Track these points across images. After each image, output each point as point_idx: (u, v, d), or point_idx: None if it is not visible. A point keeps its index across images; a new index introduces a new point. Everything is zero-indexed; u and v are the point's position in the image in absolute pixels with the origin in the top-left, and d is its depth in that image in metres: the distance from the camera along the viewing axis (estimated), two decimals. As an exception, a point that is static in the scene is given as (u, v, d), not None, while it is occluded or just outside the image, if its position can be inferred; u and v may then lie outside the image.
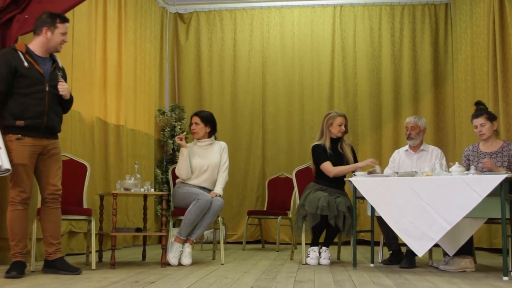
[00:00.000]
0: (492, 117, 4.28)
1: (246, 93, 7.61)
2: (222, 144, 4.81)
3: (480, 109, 4.31)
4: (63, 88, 3.65)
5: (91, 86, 5.49)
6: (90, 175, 4.47)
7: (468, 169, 4.04)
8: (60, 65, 3.75)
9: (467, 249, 4.07)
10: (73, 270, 3.63)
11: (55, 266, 3.65)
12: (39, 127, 3.56)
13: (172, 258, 4.28)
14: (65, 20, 3.66)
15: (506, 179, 3.58)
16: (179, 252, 4.33)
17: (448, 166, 4.03)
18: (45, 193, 3.69)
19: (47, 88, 3.56)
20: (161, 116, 7.34)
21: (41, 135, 3.59)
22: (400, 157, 4.81)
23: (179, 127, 7.35)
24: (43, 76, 3.56)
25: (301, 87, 7.54)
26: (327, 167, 4.56)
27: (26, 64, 3.50)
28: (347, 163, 4.61)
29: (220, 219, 4.70)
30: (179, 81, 7.80)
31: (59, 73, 3.68)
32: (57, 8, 4.15)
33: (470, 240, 4.11)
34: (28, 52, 3.56)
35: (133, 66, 6.53)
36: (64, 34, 3.64)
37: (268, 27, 7.68)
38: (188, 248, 4.35)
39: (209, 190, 4.63)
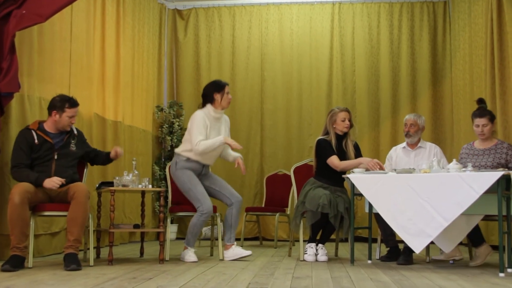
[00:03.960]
0: (493, 118, 4.31)
1: (244, 89, 7.60)
2: (227, 118, 4.72)
3: (484, 109, 4.31)
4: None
5: (89, 82, 5.48)
6: (88, 172, 4.46)
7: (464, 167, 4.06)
8: (76, 132, 4.20)
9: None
10: (66, 265, 3.66)
11: (64, 259, 3.75)
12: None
13: (190, 256, 4.37)
14: (73, 105, 4.08)
15: (503, 176, 3.59)
16: (193, 252, 4.43)
17: None
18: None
19: (55, 157, 4.02)
20: (159, 113, 7.34)
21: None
22: (398, 154, 4.81)
23: (177, 123, 7.35)
24: (53, 146, 4.02)
25: (300, 84, 7.54)
26: (334, 161, 4.51)
27: (36, 141, 3.97)
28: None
29: (218, 215, 4.71)
30: (178, 77, 7.79)
31: (72, 141, 4.14)
32: (55, 4, 4.15)
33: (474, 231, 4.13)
34: (40, 129, 4.03)
35: (131, 62, 6.52)
36: (72, 117, 4.07)
37: (266, 24, 7.68)
38: (232, 250, 4.46)
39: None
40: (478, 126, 4.29)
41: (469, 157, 4.37)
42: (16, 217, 3.68)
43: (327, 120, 4.67)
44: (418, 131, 4.70)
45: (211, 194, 4.56)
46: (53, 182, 3.86)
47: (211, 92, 4.54)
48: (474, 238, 4.18)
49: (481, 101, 4.40)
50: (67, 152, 4.09)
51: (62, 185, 3.95)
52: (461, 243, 4.16)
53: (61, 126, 4.07)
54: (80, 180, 4.27)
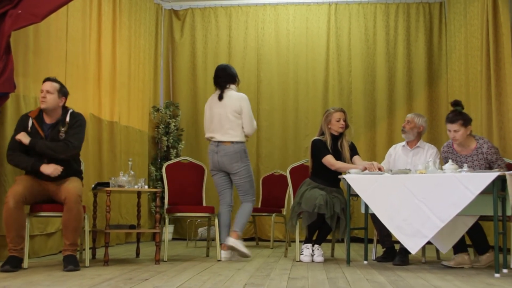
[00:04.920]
0: (467, 122, 4.13)
1: (240, 90, 7.51)
2: None
3: (456, 113, 4.16)
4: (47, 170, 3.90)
5: (85, 82, 5.47)
6: (83, 172, 4.44)
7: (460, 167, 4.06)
8: (68, 119, 3.99)
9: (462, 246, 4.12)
10: (64, 266, 3.66)
11: (63, 261, 3.74)
12: (37, 176, 3.92)
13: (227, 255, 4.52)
14: (43, 81, 4.00)
15: (498, 177, 3.61)
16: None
17: None
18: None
19: None
20: (155, 113, 7.33)
21: (41, 180, 3.94)
22: (397, 152, 4.80)
23: (173, 124, 7.34)
24: (43, 138, 3.91)
25: (296, 85, 7.54)
26: (330, 159, 4.51)
27: (29, 129, 3.91)
28: (344, 162, 4.59)
29: (215, 215, 4.71)
30: (174, 78, 7.79)
31: (62, 128, 3.96)
32: (51, 4, 4.14)
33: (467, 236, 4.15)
34: (38, 117, 3.96)
35: (127, 62, 6.51)
36: (42, 91, 3.94)
37: (263, 24, 7.68)
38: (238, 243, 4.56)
39: None
40: (450, 131, 4.17)
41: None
42: (12, 221, 3.67)
43: (323, 121, 4.68)
44: (413, 128, 4.67)
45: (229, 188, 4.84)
46: (52, 170, 3.83)
47: (236, 75, 4.88)
48: (480, 246, 4.15)
49: (455, 104, 4.24)
50: (57, 141, 3.95)
51: (58, 177, 3.91)
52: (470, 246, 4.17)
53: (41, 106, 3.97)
54: (79, 170, 4.20)
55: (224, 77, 4.76)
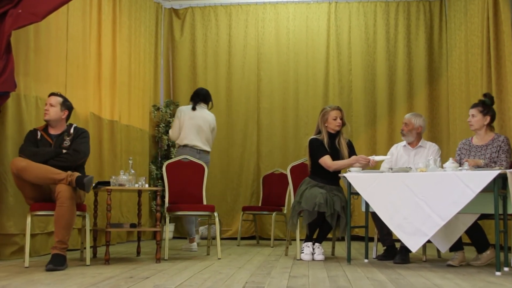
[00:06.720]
0: (486, 111, 4.27)
1: (241, 89, 7.60)
2: None
3: (480, 101, 4.33)
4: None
5: (86, 81, 5.47)
6: (85, 172, 4.44)
7: (459, 163, 4.06)
8: (72, 131, 4.17)
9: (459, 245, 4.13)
10: (46, 265, 3.63)
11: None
12: None
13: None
14: (49, 96, 4.21)
15: (499, 175, 3.60)
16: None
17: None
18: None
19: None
20: (155, 112, 7.33)
21: None
22: (398, 151, 4.79)
23: (173, 123, 7.34)
24: (50, 145, 4.08)
25: (296, 83, 7.54)
26: (326, 161, 4.51)
27: (38, 137, 4.10)
28: (342, 159, 4.58)
29: (216, 214, 4.72)
30: (174, 76, 7.79)
31: (67, 138, 4.13)
32: (51, 3, 4.14)
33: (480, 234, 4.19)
34: (44, 130, 4.15)
35: (128, 61, 6.51)
36: (46, 105, 4.15)
37: (263, 23, 7.67)
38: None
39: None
40: (469, 116, 4.34)
41: (465, 153, 4.35)
42: (25, 179, 3.81)
43: (319, 119, 4.68)
44: (412, 130, 4.66)
45: None
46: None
47: (211, 99, 5.85)
48: (480, 244, 4.16)
49: (485, 95, 4.43)
50: (61, 148, 4.08)
51: None
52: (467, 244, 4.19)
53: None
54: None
55: (200, 96, 5.71)
